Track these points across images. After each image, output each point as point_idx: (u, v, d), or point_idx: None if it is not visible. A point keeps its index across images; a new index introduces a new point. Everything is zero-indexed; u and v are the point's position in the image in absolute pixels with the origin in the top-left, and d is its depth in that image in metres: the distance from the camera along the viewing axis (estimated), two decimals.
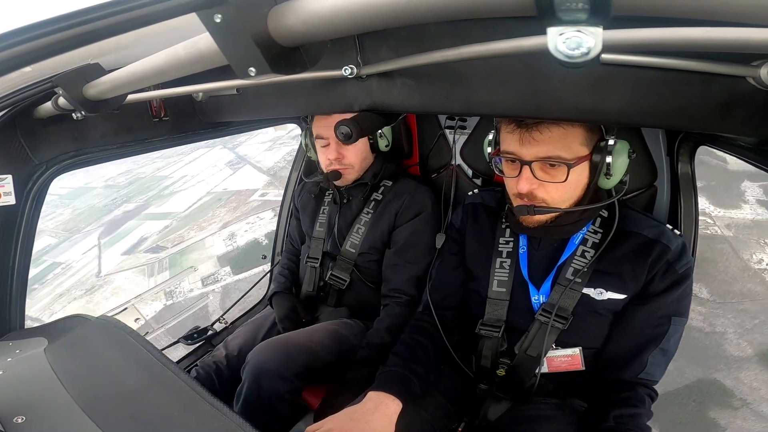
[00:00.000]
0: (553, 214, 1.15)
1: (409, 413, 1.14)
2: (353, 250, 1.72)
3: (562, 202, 1.13)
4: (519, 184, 1.11)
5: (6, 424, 0.70)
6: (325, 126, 1.61)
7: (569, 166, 1.06)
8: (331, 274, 1.75)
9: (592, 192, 1.16)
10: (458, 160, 1.86)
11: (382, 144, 1.73)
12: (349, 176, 1.70)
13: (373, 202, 1.73)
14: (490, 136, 1.24)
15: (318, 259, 1.81)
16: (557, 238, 1.23)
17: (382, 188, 1.74)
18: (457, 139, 1.86)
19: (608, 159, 1.08)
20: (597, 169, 1.10)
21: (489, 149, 1.25)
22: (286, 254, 2.07)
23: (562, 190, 1.11)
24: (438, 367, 1.30)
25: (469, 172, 1.86)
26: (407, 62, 0.86)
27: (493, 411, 1.27)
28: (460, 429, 1.30)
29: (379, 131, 1.70)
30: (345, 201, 1.78)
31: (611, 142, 1.08)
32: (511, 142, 1.11)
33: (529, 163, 1.08)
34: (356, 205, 1.76)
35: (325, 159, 1.65)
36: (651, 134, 1.42)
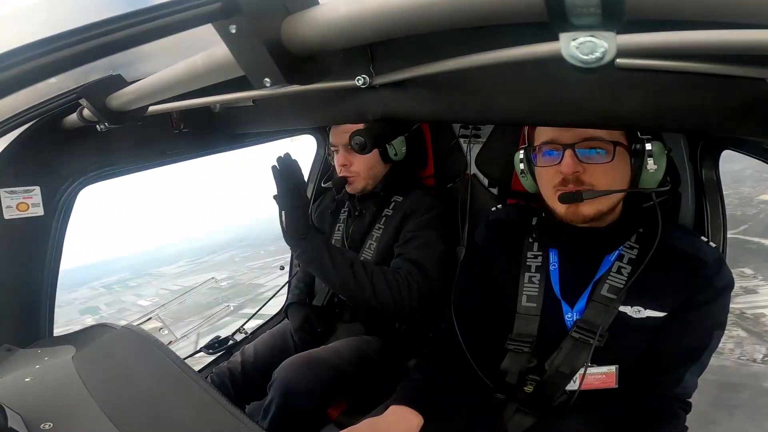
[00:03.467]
0: (599, 208, 1.08)
1: (430, 428, 1.12)
2: None
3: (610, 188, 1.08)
4: (562, 165, 1.06)
5: (34, 430, 0.71)
6: (336, 133, 1.68)
7: (614, 144, 1.04)
8: None
9: (632, 196, 1.13)
10: (473, 169, 1.85)
11: (391, 152, 1.71)
12: (357, 184, 1.70)
13: (384, 218, 1.72)
14: (521, 154, 1.21)
15: None
16: (593, 252, 1.18)
17: (393, 203, 1.73)
18: (472, 148, 1.85)
19: (648, 146, 1.05)
20: (638, 159, 1.07)
21: (521, 164, 1.22)
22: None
23: (609, 174, 1.07)
24: (459, 381, 1.27)
25: (485, 181, 1.84)
26: (419, 71, 0.86)
27: (517, 426, 1.23)
28: None
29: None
30: (357, 213, 1.78)
31: (647, 145, 1.06)
32: (548, 131, 1.08)
33: (571, 146, 1.05)
34: (369, 219, 1.76)
35: (337, 165, 1.71)
36: (671, 139, 1.39)
